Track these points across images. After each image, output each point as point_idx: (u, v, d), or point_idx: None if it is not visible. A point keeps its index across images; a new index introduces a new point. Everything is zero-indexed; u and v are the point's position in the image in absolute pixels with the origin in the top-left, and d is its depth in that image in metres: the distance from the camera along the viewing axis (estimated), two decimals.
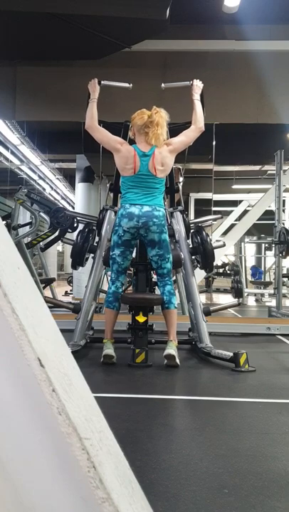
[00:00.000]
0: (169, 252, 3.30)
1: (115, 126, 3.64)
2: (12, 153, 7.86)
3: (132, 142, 3.36)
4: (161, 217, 3.20)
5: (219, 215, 4.50)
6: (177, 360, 3.12)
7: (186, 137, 3.35)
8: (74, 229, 5.57)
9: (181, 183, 4.09)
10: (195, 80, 3.50)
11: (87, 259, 3.97)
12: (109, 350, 3.19)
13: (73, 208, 10.03)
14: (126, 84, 3.64)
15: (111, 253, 3.31)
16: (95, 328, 4.02)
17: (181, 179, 4.02)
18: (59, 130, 7.32)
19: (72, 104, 5.73)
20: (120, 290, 3.37)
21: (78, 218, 4.65)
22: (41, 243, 6.31)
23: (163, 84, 3.69)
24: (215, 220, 4.58)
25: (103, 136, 3.31)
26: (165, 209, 3.34)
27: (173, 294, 3.31)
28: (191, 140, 3.38)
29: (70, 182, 9.84)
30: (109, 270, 3.44)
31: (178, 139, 3.34)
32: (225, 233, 9.49)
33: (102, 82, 3.48)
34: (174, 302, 3.29)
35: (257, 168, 8.91)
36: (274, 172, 6.39)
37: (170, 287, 3.31)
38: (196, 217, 9.73)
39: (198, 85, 3.48)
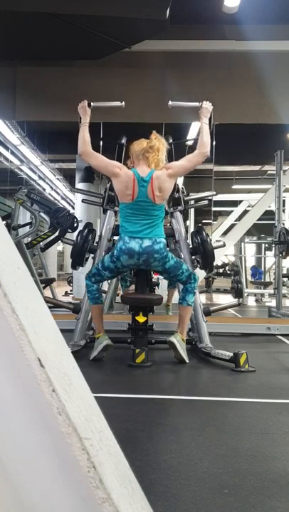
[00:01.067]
0: (180, 268, 3.25)
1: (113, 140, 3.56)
2: (12, 153, 7.86)
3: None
4: (162, 249, 3.14)
5: (214, 192, 4.45)
6: (182, 354, 3.15)
7: (188, 162, 3.22)
8: (74, 229, 5.57)
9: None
10: (204, 102, 3.34)
11: (87, 259, 3.97)
12: (107, 340, 3.24)
13: (73, 208, 10.02)
14: (118, 103, 3.50)
15: (102, 270, 3.28)
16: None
17: (180, 207, 3.97)
18: (59, 130, 7.32)
19: (72, 104, 5.71)
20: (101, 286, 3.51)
21: (83, 199, 4.72)
22: (41, 243, 6.30)
23: (170, 102, 3.54)
24: (211, 196, 4.55)
25: (99, 161, 3.21)
26: (166, 238, 3.25)
27: (190, 291, 3.29)
28: (193, 165, 3.25)
29: (70, 182, 9.84)
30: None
31: (179, 163, 3.23)
32: (225, 233, 9.49)
33: (92, 104, 3.34)
34: (188, 300, 3.28)
35: (257, 168, 8.92)
36: (274, 172, 6.39)
37: (189, 286, 3.28)
38: (196, 217, 9.81)
39: (207, 108, 3.32)
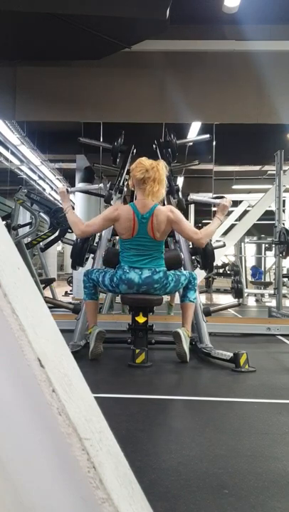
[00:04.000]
0: (179, 283, 3.26)
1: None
2: (12, 153, 7.86)
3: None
4: (162, 277, 3.14)
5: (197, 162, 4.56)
6: (185, 348, 3.15)
7: (182, 230, 3.19)
8: None
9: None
10: (224, 199, 3.32)
11: (87, 259, 3.97)
12: (98, 328, 3.25)
13: (73, 208, 10.02)
14: (96, 186, 3.67)
15: (100, 283, 3.29)
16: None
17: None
18: (59, 130, 7.32)
19: (72, 104, 5.75)
20: None
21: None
22: (41, 243, 6.31)
23: (190, 196, 3.60)
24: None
25: (99, 226, 3.23)
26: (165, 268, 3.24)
27: (190, 289, 3.32)
28: (183, 235, 3.30)
29: (70, 182, 9.84)
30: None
31: (180, 220, 3.14)
32: (225, 233, 9.48)
33: (69, 189, 3.47)
34: (190, 296, 3.32)
35: (257, 168, 8.91)
36: (274, 172, 6.39)
37: (189, 284, 3.31)
38: (196, 217, 9.81)
39: (226, 205, 3.29)
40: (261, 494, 1.36)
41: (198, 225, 7.01)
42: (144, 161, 3.12)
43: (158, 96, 5.73)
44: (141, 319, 3.25)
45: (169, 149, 4.08)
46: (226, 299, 8.92)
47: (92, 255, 3.90)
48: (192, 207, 9.60)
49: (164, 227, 3.13)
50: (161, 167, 3.07)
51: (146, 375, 2.97)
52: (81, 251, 3.83)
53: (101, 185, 3.67)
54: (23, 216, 7.14)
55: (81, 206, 8.57)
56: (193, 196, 3.57)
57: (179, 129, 6.38)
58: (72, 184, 9.53)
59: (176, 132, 4.05)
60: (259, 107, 5.77)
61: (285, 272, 7.16)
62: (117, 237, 3.66)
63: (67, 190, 3.39)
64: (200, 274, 4.40)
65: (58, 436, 0.55)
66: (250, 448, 1.75)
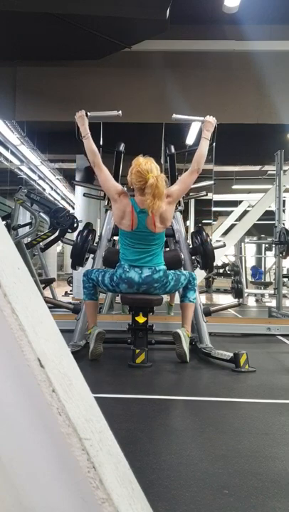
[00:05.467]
0: (179, 282, 3.26)
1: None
2: (12, 153, 7.86)
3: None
4: (162, 277, 3.14)
5: (212, 182, 4.48)
6: (185, 348, 3.15)
7: (184, 184, 3.21)
8: (74, 229, 5.57)
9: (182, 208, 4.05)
10: (208, 116, 3.27)
11: (87, 259, 3.97)
12: (98, 329, 3.25)
13: (73, 208, 10.03)
14: (115, 113, 3.44)
15: (100, 282, 3.28)
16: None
17: (180, 207, 3.97)
18: (59, 130, 7.31)
19: (72, 104, 5.73)
20: None
21: (85, 193, 4.77)
22: (41, 243, 6.30)
23: (174, 116, 3.48)
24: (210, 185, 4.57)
25: (106, 180, 3.17)
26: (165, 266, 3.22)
27: (190, 289, 3.32)
28: (189, 185, 3.26)
29: (70, 182, 9.84)
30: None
31: (176, 187, 3.19)
32: (225, 233, 9.49)
33: (89, 113, 3.24)
34: (190, 296, 3.32)
35: (257, 168, 8.91)
36: (274, 172, 6.39)
37: (189, 284, 3.32)
38: (196, 217, 9.81)
39: (210, 122, 3.25)
40: (261, 494, 1.36)
41: (199, 225, 6.99)
42: (143, 166, 3.02)
43: (158, 96, 5.73)
44: (141, 319, 3.25)
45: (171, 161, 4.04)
46: (226, 299, 8.92)
47: (92, 255, 3.90)
48: (192, 207, 9.62)
49: (169, 214, 3.10)
50: (161, 183, 2.98)
51: (146, 375, 2.97)
52: (81, 251, 3.83)
53: (120, 112, 3.48)
54: (23, 216, 7.14)
55: (81, 206, 8.58)
56: (177, 116, 3.51)
57: (179, 129, 6.38)
58: (72, 184, 9.53)
59: (176, 132, 4.04)
60: (259, 107, 5.77)
61: (285, 272, 7.15)
62: (117, 238, 3.65)
63: (86, 114, 3.22)
64: (200, 274, 4.40)
65: (58, 436, 0.55)
66: (250, 448, 1.75)
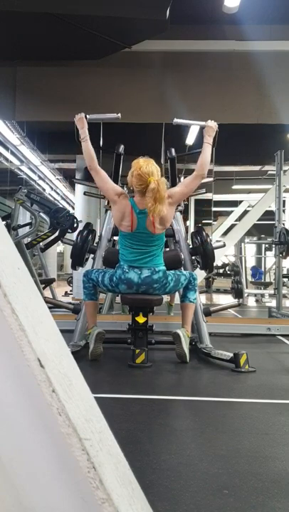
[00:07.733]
0: (179, 283, 3.25)
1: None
2: (12, 153, 7.86)
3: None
4: (162, 277, 3.13)
5: (212, 178, 4.49)
6: (185, 348, 3.14)
7: (186, 187, 3.18)
8: (74, 229, 5.57)
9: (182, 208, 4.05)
10: (209, 121, 3.28)
11: (87, 259, 3.96)
12: (98, 329, 3.24)
13: (73, 208, 10.03)
14: (114, 115, 3.45)
15: (100, 283, 3.27)
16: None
17: (180, 207, 3.96)
18: (59, 130, 7.31)
19: (72, 104, 5.74)
20: None
21: (85, 191, 4.77)
22: (41, 243, 6.30)
23: (175, 120, 3.50)
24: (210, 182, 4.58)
25: (104, 182, 3.17)
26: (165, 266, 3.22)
27: (190, 289, 3.32)
28: (191, 190, 3.23)
29: (70, 182, 9.84)
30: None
31: (178, 189, 3.18)
32: (225, 233, 9.48)
33: (88, 116, 3.24)
34: (190, 297, 3.31)
35: (257, 168, 8.91)
36: (274, 172, 6.39)
37: (189, 284, 3.31)
38: (196, 218, 9.81)
39: (212, 127, 3.26)
40: (261, 494, 1.36)
41: (199, 225, 6.99)
42: (144, 169, 3.01)
43: (158, 96, 5.73)
44: (141, 319, 3.25)
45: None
46: (226, 299, 8.91)
47: (92, 255, 3.90)
48: (192, 207, 9.61)
49: (169, 215, 3.09)
50: (162, 187, 2.98)
51: (146, 375, 2.97)
52: (81, 251, 3.83)
53: (119, 115, 3.50)
54: (23, 216, 7.14)
55: (81, 206, 8.57)
56: (178, 120, 3.51)
57: (179, 130, 6.38)
58: (72, 184, 9.53)
59: (176, 132, 4.04)
60: (259, 107, 5.77)
61: (285, 272, 7.15)
62: (117, 238, 3.65)
63: (85, 116, 3.23)
64: (200, 275, 4.39)
65: (58, 436, 0.55)
66: (250, 448, 1.75)
